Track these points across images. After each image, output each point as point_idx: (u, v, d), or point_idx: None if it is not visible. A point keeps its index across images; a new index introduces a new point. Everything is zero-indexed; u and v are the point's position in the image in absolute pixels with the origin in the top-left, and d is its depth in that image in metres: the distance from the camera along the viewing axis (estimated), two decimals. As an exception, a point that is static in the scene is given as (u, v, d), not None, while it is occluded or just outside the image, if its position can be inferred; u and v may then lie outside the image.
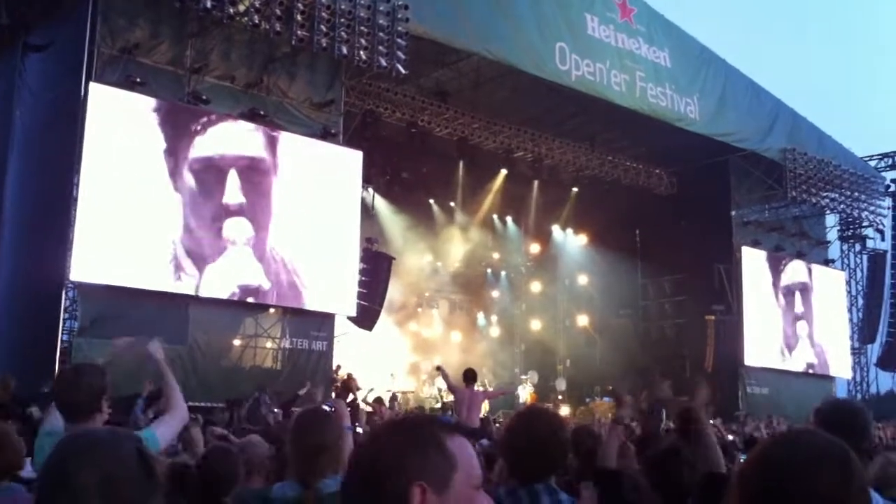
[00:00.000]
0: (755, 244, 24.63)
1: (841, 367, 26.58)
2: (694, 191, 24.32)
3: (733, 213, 24.39)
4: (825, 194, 24.38)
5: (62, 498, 1.68)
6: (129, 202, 14.25)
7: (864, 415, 3.58)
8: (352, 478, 1.57)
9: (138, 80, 14.57)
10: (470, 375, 12.74)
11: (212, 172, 15.35)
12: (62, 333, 13.91)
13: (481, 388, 15.11)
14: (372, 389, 14.62)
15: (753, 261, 24.40)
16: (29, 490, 4.10)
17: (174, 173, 14.89)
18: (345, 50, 15.57)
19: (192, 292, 15.00)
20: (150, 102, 14.70)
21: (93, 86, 14.06)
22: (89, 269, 13.87)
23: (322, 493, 3.25)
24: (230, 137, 15.60)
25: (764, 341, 24.13)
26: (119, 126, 14.25)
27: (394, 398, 13.76)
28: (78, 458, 1.71)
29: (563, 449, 3.36)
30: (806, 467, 1.57)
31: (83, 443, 1.77)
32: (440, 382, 21.34)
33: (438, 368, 15.84)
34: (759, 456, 1.65)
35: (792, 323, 25.02)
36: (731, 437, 12.95)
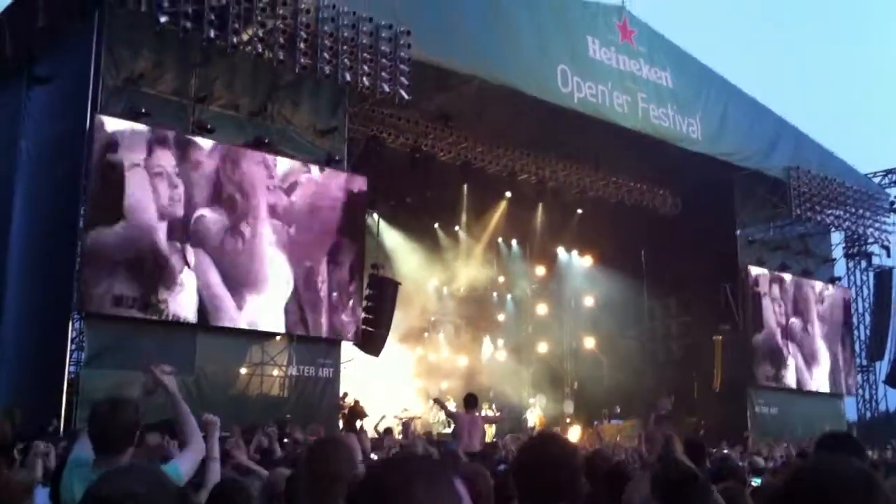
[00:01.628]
0: (760, 263, 24.60)
1: (849, 385, 26.46)
2: (698, 210, 24.32)
3: (738, 232, 24.37)
4: (830, 212, 24.38)
5: None
6: (134, 232, 14.29)
7: (858, 445, 3.62)
8: None
9: (143, 110, 14.64)
10: (471, 401, 12.68)
11: (216, 201, 15.39)
12: (69, 364, 13.91)
13: (486, 413, 15.05)
14: (384, 417, 14.55)
15: (759, 280, 24.35)
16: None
17: (178, 202, 14.91)
18: (348, 76, 15.67)
19: (198, 320, 15.00)
20: (155, 133, 14.76)
21: (98, 117, 14.13)
22: (96, 300, 13.89)
23: (335, 525, 3.23)
24: (235, 166, 15.65)
25: (771, 361, 24.04)
26: (124, 156, 14.31)
27: (406, 426, 13.73)
28: (117, 489, 1.72)
29: (576, 475, 3.33)
30: (832, 493, 1.57)
31: (129, 478, 1.78)
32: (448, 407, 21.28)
33: (436, 401, 15.82)
34: (788, 482, 1.66)
35: (799, 342, 24.93)
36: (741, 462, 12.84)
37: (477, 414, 12.95)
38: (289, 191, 16.26)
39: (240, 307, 15.50)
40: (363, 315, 17.75)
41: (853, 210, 24.95)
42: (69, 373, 13.84)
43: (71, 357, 14.00)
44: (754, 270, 24.29)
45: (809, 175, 23.53)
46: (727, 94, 22.74)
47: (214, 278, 15.21)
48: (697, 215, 24.24)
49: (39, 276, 15.49)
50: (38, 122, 16.35)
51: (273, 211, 16.04)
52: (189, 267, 14.88)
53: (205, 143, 15.39)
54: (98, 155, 14.07)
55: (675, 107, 21.19)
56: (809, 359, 25.09)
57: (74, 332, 14.14)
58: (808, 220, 24.14)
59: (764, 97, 23.69)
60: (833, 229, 26.14)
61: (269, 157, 16.13)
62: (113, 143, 14.24)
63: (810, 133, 24.67)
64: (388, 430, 13.04)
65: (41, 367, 14.67)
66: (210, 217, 15.25)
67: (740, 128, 22.64)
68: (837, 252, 27.42)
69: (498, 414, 15.15)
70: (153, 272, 14.46)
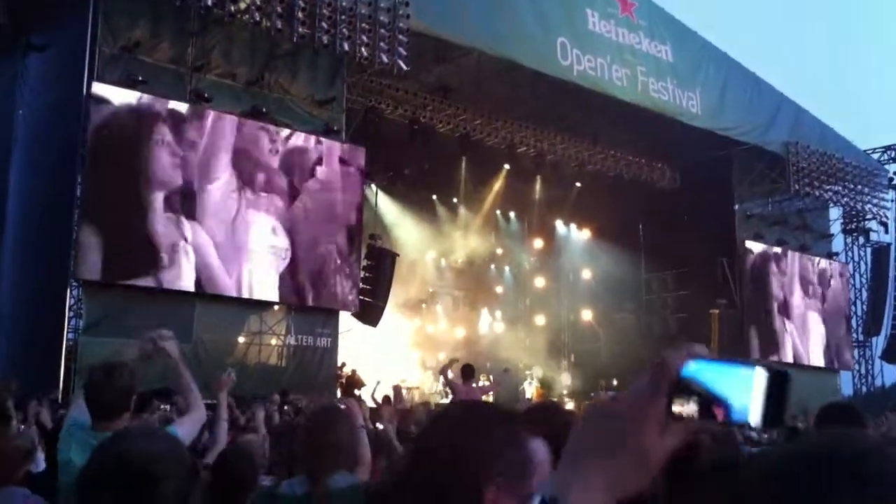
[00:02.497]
0: (758, 238, 24.61)
1: (846, 360, 26.56)
2: (697, 185, 24.28)
3: (736, 206, 24.36)
4: (828, 187, 24.35)
5: (114, 480, 1.72)
6: (132, 200, 14.28)
7: (860, 414, 3.62)
8: (421, 461, 1.49)
9: (140, 78, 14.58)
10: (468, 371, 12.62)
11: (214, 170, 15.36)
12: (68, 332, 13.95)
13: (480, 384, 15.08)
14: (379, 383, 14.58)
15: (757, 254, 24.38)
16: (36, 486, 4.11)
17: (176, 171, 14.89)
18: (346, 46, 15.60)
19: (195, 289, 15.02)
20: (152, 101, 14.71)
21: (95, 85, 14.08)
22: (94, 268, 13.90)
23: (331, 490, 3.24)
24: (231, 136, 15.61)
25: (767, 335, 24.12)
26: (121, 124, 14.28)
27: (398, 392, 13.76)
28: (135, 448, 1.74)
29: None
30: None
31: (138, 435, 1.81)
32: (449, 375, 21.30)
33: (443, 371, 15.79)
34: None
35: (796, 316, 25.00)
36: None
37: (474, 385, 12.93)
38: (288, 161, 16.22)
39: (236, 278, 15.52)
40: (361, 286, 17.77)
41: (852, 186, 24.93)
42: (67, 340, 13.89)
43: (69, 324, 14.04)
44: (752, 245, 24.31)
45: (808, 150, 23.48)
46: (727, 68, 22.65)
47: (211, 251, 15.21)
48: (696, 190, 24.19)
49: (37, 243, 15.50)
50: (35, 91, 16.28)
51: (271, 181, 16.01)
52: (186, 241, 14.88)
53: (206, 113, 15.34)
54: (95, 122, 14.02)
55: (675, 81, 21.11)
56: (806, 334, 25.16)
57: (73, 300, 14.17)
58: (807, 195, 24.11)
59: (764, 72, 23.62)
60: (831, 205, 26.12)
61: (272, 129, 16.08)
62: (110, 110, 14.21)
63: (810, 108, 24.62)
64: (387, 399, 13.02)
65: (39, 335, 14.71)
66: (208, 188, 15.23)
67: (740, 102, 22.57)
68: (835, 228, 27.43)
69: (490, 383, 15.10)
70: (150, 245, 14.46)
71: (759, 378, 1.05)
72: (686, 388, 1.06)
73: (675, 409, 1.05)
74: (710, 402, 1.05)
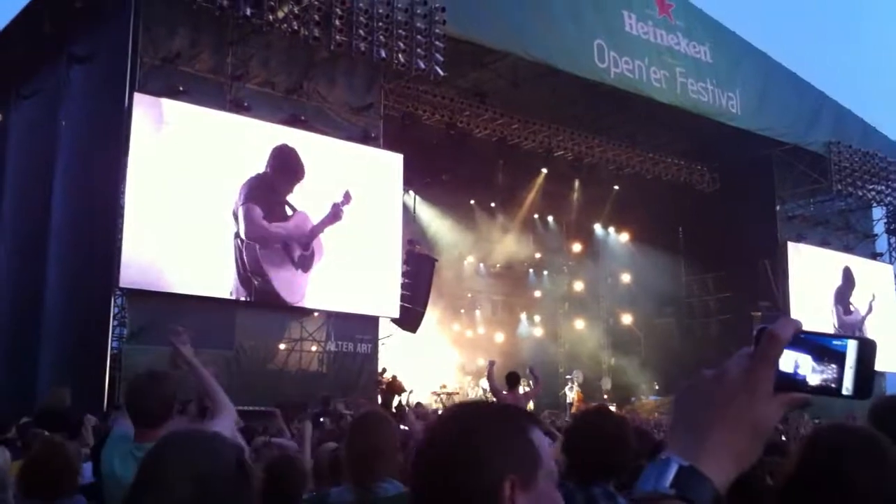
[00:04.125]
0: (800, 239, 24.31)
1: (890, 361, 26.11)
2: (737, 186, 24.05)
3: (778, 207, 24.08)
4: (871, 187, 24.05)
5: (157, 491, 1.70)
6: (175, 210, 14.42)
7: None
8: (428, 467, 1.42)
9: (181, 88, 14.73)
10: (513, 379, 12.55)
11: (253, 178, 15.47)
12: (112, 340, 14.10)
13: (525, 391, 14.99)
14: (411, 391, 14.61)
15: (799, 256, 24.07)
16: (88, 497, 4.14)
17: (215, 181, 15.02)
18: (383, 53, 15.66)
19: (237, 297, 15.12)
20: (195, 111, 14.86)
21: (137, 95, 14.24)
22: (137, 276, 14.05)
23: (379, 497, 3.24)
24: (271, 144, 15.72)
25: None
26: (163, 134, 14.43)
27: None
28: (178, 454, 1.73)
29: (628, 452, 3.30)
30: (844, 462, 1.60)
31: (185, 441, 1.79)
32: (485, 383, 21.25)
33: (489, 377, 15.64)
34: (801, 455, 1.70)
35: (839, 317, 24.65)
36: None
37: (519, 392, 12.82)
38: (326, 169, 16.27)
39: (274, 286, 15.59)
40: (401, 291, 17.78)
41: (895, 185, 24.58)
42: (112, 349, 14.04)
43: (113, 333, 14.19)
44: (794, 246, 24.00)
45: (851, 150, 23.19)
46: (767, 68, 22.44)
47: (249, 261, 15.31)
48: (736, 191, 23.97)
49: (81, 252, 15.67)
50: (78, 101, 16.50)
51: (309, 190, 16.08)
52: (226, 250, 14.99)
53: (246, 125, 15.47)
54: (137, 132, 14.19)
55: (714, 81, 20.95)
56: (849, 335, 24.78)
57: (116, 309, 14.32)
58: (849, 195, 23.84)
59: (805, 71, 23.36)
60: (874, 205, 25.78)
61: (311, 137, 16.17)
62: (151, 120, 14.38)
63: (853, 108, 24.32)
64: (420, 405, 13.02)
65: (84, 344, 14.87)
66: (246, 203, 15.33)
67: (780, 102, 22.34)
68: (879, 228, 27.05)
69: (535, 387, 14.88)
70: (193, 254, 14.60)
71: (851, 349, 1.13)
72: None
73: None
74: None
